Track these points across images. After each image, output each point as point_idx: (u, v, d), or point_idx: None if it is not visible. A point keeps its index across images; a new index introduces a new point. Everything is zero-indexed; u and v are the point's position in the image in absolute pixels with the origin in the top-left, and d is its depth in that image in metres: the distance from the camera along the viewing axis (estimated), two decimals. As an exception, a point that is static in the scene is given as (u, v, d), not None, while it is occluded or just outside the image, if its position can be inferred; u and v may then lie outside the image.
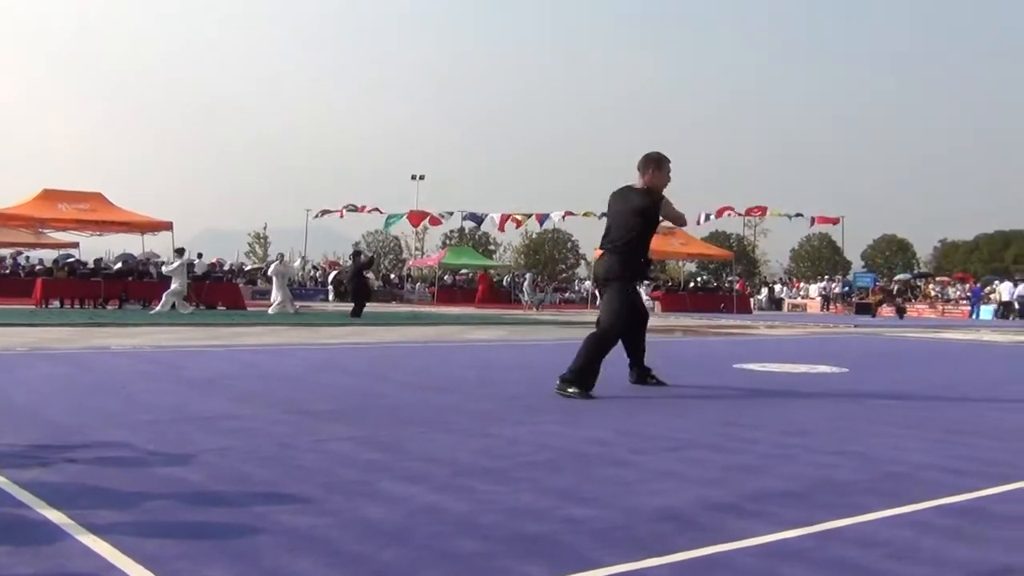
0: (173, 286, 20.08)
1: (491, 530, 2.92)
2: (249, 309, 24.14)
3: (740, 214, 49.11)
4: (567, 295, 45.60)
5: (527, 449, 4.37)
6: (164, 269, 21.49)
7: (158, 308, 19.76)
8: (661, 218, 7.08)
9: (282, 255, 24.95)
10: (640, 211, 6.71)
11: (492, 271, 50.54)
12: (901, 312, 36.43)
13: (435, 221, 44.46)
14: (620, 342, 6.85)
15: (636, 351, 7.15)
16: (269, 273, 23.65)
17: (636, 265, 6.82)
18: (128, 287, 23.73)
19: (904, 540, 2.91)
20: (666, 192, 6.89)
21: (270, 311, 21.24)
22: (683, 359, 10.87)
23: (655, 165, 6.81)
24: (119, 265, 25.67)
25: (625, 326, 6.72)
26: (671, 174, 6.89)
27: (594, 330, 6.67)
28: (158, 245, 29.30)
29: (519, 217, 42.07)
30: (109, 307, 22.56)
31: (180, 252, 21.67)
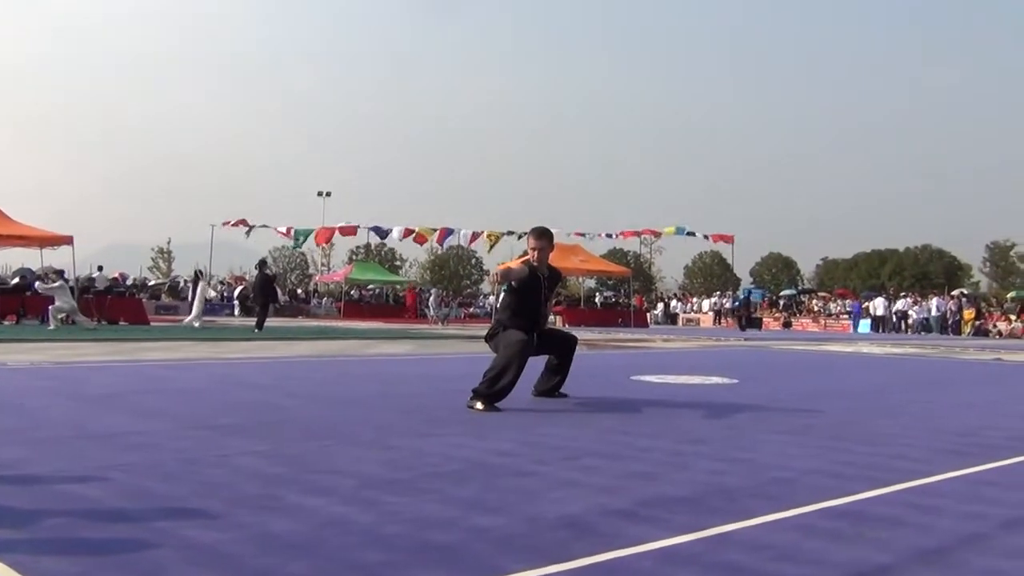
0: (57, 303, 19.44)
1: (397, 540, 2.90)
2: (153, 324, 23.45)
3: (638, 233, 49.89)
4: (472, 310, 45.67)
5: (432, 460, 4.36)
6: (39, 286, 20.83)
7: (51, 325, 19.08)
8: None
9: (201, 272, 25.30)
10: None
11: (398, 286, 50.25)
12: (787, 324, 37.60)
13: (348, 231, 43.84)
14: (547, 359, 6.93)
15: (560, 369, 7.20)
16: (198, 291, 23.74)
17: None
18: (26, 302, 22.77)
19: (789, 542, 3.01)
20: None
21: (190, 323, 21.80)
22: (584, 372, 10.98)
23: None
24: (16, 280, 24.63)
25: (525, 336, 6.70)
26: (532, 249, 7.02)
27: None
28: (59, 260, 28.24)
29: (424, 233, 41.92)
30: (6, 322, 21.62)
31: (60, 274, 21.26)
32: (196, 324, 21.69)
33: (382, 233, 42.55)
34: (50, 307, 19.45)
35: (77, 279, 23.89)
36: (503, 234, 40.53)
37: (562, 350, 7.17)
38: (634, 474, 4.14)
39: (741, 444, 5.12)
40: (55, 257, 28.28)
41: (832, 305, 47.49)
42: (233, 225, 42.06)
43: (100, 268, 29.33)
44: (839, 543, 3.01)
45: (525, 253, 7.13)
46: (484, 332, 7.16)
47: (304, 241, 43.57)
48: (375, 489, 3.65)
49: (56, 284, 20.13)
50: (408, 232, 41.46)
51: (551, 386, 7.22)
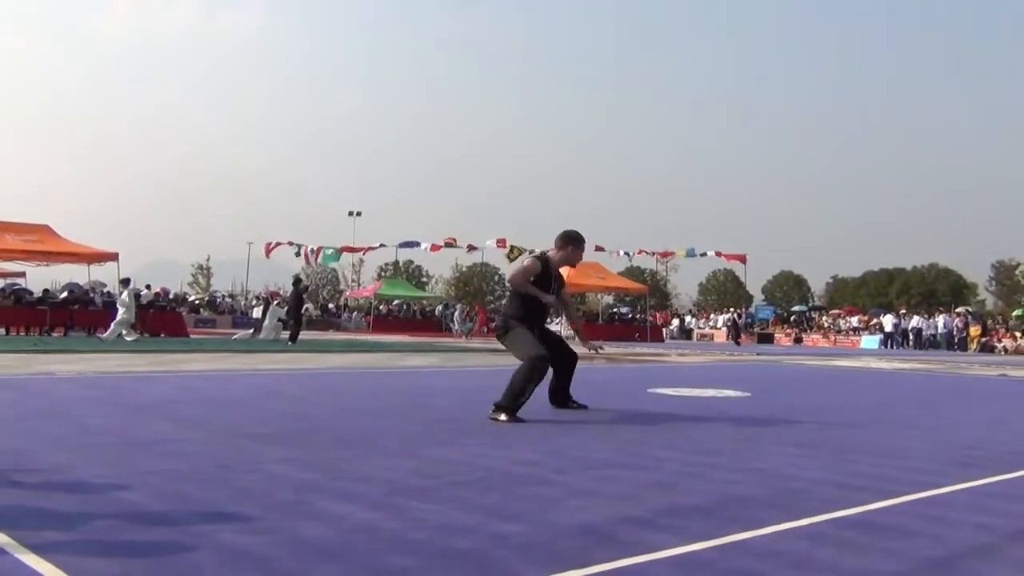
0: (121, 314, 19.37)
1: (422, 546, 2.89)
2: (192, 336, 23.62)
3: (651, 253, 49.83)
4: (495, 324, 45.60)
5: (457, 469, 4.35)
6: (117, 302, 20.67)
7: (107, 335, 19.09)
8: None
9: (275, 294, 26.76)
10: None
11: (425, 301, 50.37)
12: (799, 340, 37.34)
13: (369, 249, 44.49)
14: (551, 371, 6.89)
15: (564, 381, 7.18)
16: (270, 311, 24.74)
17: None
18: (73, 315, 23.01)
19: (800, 551, 2.97)
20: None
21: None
22: (602, 384, 10.95)
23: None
24: (65, 294, 24.90)
25: (544, 351, 6.68)
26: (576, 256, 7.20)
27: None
28: (104, 275, 28.47)
29: (450, 240, 42.28)
30: (55, 334, 21.84)
31: (125, 282, 21.00)
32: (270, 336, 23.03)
33: (412, 244, 43.02)
34: (116, 320, 19.23)
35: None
36: (525, 250, 40.70)
37: (563, 367, 7.12)
38: (651, 483, 4.11)
39: (754, 455, 5.08)
40: (101, 273, 28.49)
41: (842, 322, 47.13)
42: (273, 247, 42.68)
43: (148, 287, 29.56)
44: (850, 552, 2.97)
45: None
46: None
47: (338, 258, 44.07)
48: (402, 496, 3.65)
49: (124, 295, 19.87)
50: (436, 247, 41.83)
51: (563, 395, 7.20)
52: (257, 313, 25.93)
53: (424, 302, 50.59)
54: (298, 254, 43.57)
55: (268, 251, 43.28)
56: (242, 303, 45.19)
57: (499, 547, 2.90)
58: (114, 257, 23.77)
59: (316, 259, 43.05)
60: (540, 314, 6.95)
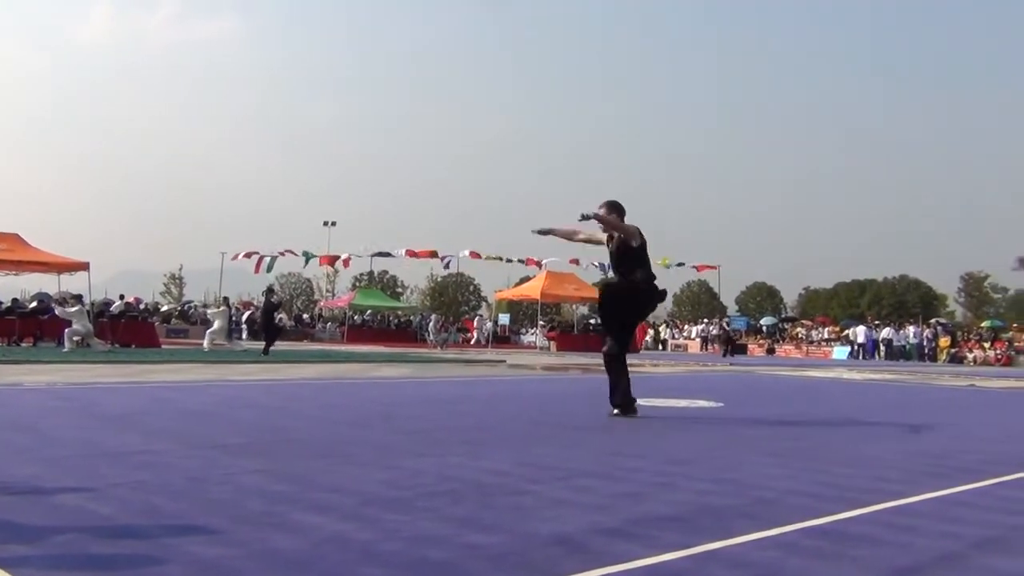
0: (74, 326, 19.44)
1: (394, 557, 2.88)
2: (164, 347, 23.39)
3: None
4: (469, 335, 45.60)
5: (429, 480, 4.34)
6: (57, 311, 20.77)
7: (66, 347, 19.02)
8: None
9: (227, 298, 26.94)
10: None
11: (400, 312, 50.22)
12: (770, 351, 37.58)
13: (346, 262, 44.32)
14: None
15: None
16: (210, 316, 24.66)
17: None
18: (43, 325, 22.72)
19: (772, 560, 2.99)
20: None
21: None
22: (576, 394, 10.97)
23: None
24: (34, 304, 24.60)
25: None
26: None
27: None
28: (75, 285, 28.16)
29: (425, 252, 42.31)
30: (24, 344, 21.56)
31: (78, 298, 21.29)
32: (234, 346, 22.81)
33: (385, 254, 42.97)
34: (67, 330, 19.45)
35: (92, 303, 23.88)
36: (499, 259, 40.91)
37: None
38: (624, 494, 4.12)
39: (726, 465, 5.11)
40: (72, 282, 28.18)
41: (814, 332, 47.52)
42: (245, 256, 42.39)
43: (122, 296, 29.27)
44: (820, 561, 2.99)
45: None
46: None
47: (312, 260, 43.95)
48: (374, 507, 3.63)
49: (74, 308, 20.14)
50: (411, 253, 41.84)
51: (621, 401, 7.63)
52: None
53: (399, 312, 50.46)
54: (270, 269, 43.31)
55: (257, 267, 43.01)
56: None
57: (472, 557, 2.90)
58: (85, 266, 23.51)
59: (262, 268, 42.76)
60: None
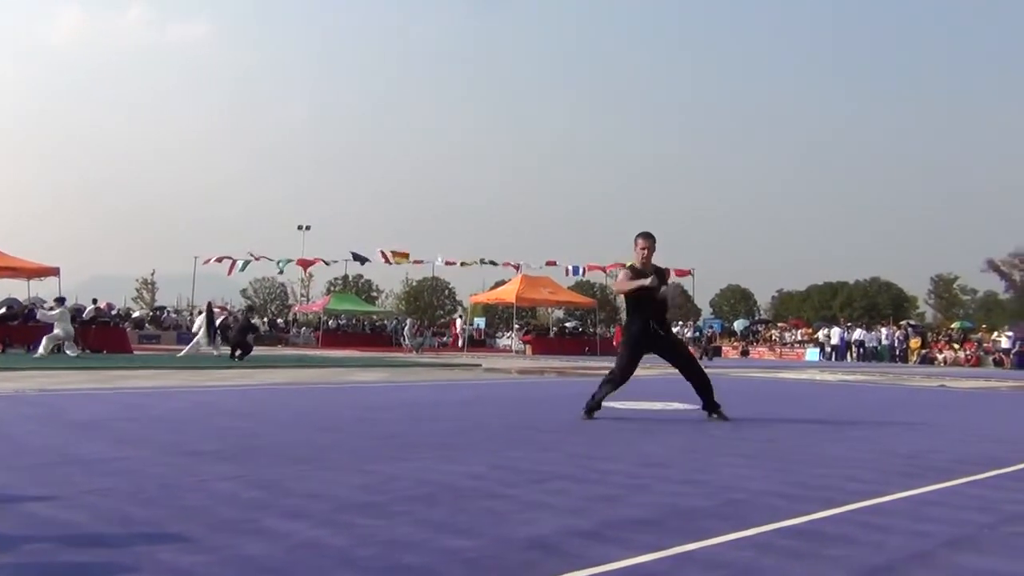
0: (55, 331, 19.07)
1: (370, 562, 2.87)
2: (136, 353, 23.15)
3: (603, 269, 50.19)
4: (445, 339, 45.54)
5: (405, 484, 4.32)
6: (39, 315, 20.48)
7: (39, 352, 18.69)
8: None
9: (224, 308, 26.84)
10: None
11: (375, 316, 50.05)
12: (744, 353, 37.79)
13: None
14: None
15: (703, 397, 7.98)
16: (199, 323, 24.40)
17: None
18: (11, 332, 22.40)
19: (747, 560, 3.01)
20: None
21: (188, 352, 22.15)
22: (551, 398, 10.98)
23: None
24: (2, 310, 24.24)
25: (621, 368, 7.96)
26: (641, 248, 7.83)
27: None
28: (44, 290, 27.84)
29: (400, 253, 42.18)
30: (-8, 351, 21.24)
31: (61, 301, 20.83)
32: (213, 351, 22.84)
33: (362, 259, 42.76)
34: (47, 335, 19.02)
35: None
36: (476, 263, 40.90)
37: (684, 369, 8.05)
38: (599, 496, 4.13)
39: (700, 466, 5.13)
40: (42, 288, 27.86)
41: (787, 335, 47.85)
42: (217, 260, 42.12)
43: (95, 301, 28.93)
44: (795, 560, 3.01)
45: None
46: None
47: (286, 265, 43.74)
48: (349, 512, 3.61)
49: (56, 311, 19.72)
50: (386, 256, 41.72)
51: (705, 406, 7.95)
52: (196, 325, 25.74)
53: (374, 316, 50.26)
54: (243, 269, 43.16)
55: (230, 271, 42.82)
56: (187, 318, 44.44)
57: (448, 562, 2.89)
58: (55, 272, 23.27)
59: (235, 270, 42.62)
60: (651, 310, 7.72)
